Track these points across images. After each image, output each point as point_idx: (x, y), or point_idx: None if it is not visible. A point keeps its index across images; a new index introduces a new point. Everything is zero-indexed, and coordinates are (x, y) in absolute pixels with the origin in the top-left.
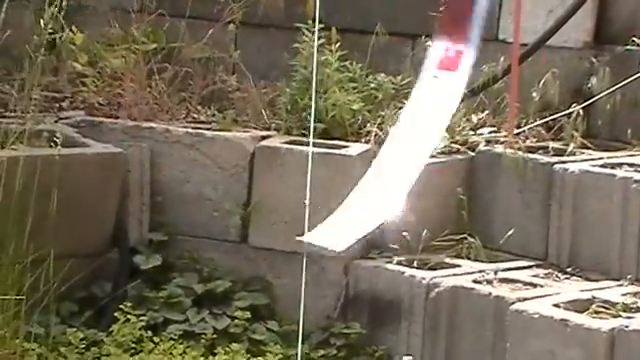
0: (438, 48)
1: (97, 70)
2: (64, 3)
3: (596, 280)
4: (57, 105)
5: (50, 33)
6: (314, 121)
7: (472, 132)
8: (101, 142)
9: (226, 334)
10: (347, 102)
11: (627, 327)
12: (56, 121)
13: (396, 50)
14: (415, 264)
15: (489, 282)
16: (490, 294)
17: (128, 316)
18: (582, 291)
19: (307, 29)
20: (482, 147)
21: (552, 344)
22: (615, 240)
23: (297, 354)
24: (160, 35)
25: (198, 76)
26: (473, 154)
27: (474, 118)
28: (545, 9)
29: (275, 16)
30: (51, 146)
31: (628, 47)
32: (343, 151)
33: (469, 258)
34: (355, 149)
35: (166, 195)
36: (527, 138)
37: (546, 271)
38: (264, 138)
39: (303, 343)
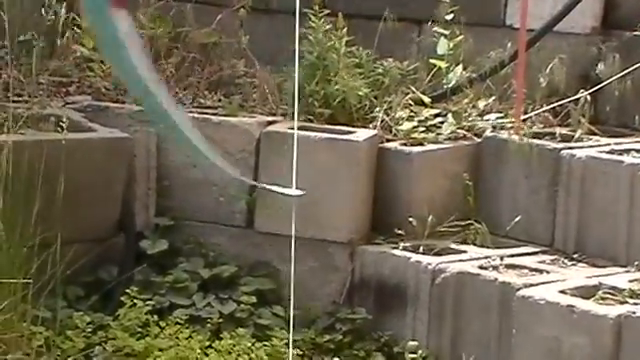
0: None
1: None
2: None
3: (603, 266)
4: (64, 90)
5: (54, 17)
6: (320, 107)
7: (479, 118)
8: (108, 127)
9: (232, 319)
10: (353, 88)
11: (634, 313)
12: (63, 106)
13: (402, 36)
14: (421, 250)
15: (495, 268)
16: (496, 280)
17: (134, 300)
18: (588, 277)
19: (314, 14)
20: (489, 133)
21: (558, 330)
22: (622, 226)
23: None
24: (167, 20)
25: (205, 61)
26: (479, 140)
27: (480, 104)
28: None
29: (283, 1)
30: (58, 131)
31: (636, 33)
32: (350, 136)
33: (475, 244)
34: (361, 134)
35: (172, 180)
36: (534, 124)
37: (552, 257)
38: (270, 123)
39: (309, 328)
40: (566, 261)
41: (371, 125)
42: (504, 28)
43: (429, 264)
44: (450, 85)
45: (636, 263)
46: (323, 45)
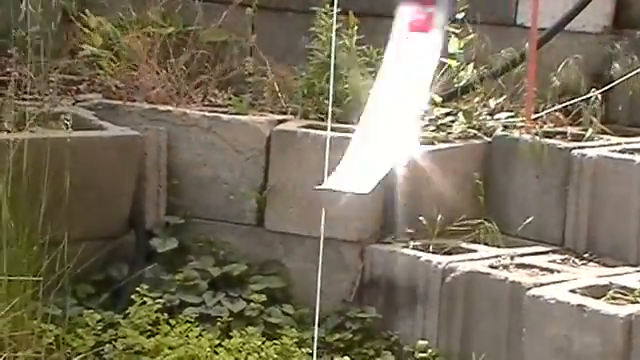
0: (406, 12)
1: (114, 53)
2: None
3: (613, 266)
4: (74, 88)
5: (64, 15)
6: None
7: (489, 117)
8: (118, 125)
9: (242, 317)
10: (364, 86)
11: None
12: (73, 104)
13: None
14: (431, 249)
15: (505, 267)
16: (506, 279)
17: (144, 298)
18: (599, 277)
19: (324, 13)
20: (499, 132)
21: (569, 330)
22: (633, 226)
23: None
24: (176, 18)
25: (215, 59)
26: (490, 139)
27: (491, 103)
28: None
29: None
30: (68, 129)
31: None
32: None
33: (485, 243)
34: None
35: (183, 178)
36: (545, 123)
37: (563, 257)
38: (280, 122)
39: (319, 326)
40: (577, 260)
41: None
42: (515, 27)
43: (439, 263)
44: (461, 84)
45: None
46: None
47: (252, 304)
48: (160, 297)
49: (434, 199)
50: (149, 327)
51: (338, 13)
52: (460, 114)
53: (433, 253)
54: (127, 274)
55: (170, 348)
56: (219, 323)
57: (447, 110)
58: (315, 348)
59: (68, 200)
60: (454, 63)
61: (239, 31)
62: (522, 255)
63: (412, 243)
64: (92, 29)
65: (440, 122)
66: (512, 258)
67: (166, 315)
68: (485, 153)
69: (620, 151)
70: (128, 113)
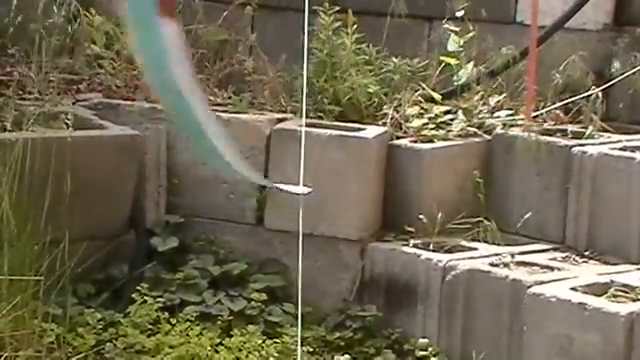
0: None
1: (114, 52)
2: None
3: (614, 264)
4: (74, 87)
5: (66, 15)
6: (330, 104)
7: (489, 115)
8: (118, 124)
9: (242, 316)
10: (363, 85)
11: None
12: (73, 103)
13: (412, 33)
14: (431, 247)
15: (506, 265)
16: (507, 277)
17: (145, 297)
18: (600, 275)
19: (324, 11)
20: (499, 130)
21: (569, 328)
22: (634, 223)
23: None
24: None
25: (215, 58)
26: (490, 137)
27: (491, 101)
28: None
29: None
30: (69, 128)
31: None
32: (359, 133)
33: (486, 241)
34: (371, 132)
35: (183, 177)
36: (545, 121)
37: (564, 254)
38: (280, 121)
39: (319, 325)
40: (577, 258)
41: (381, 122)
42: (515, 25)
43: (439, 261)
44: (460, 82)
45: None
46: (332, 42)
47: (252, 303)
48: (160, 296)
49: (434, 197)
50: (150, 326)
51: (337, 11)
52: (460, 112)
53: (433, 251)
54: (127, 273)
55: (171, 347)
56: (219, 322)
57: (447, 108)
58: (300, 350)
59: (68, 199)
60: (453, 61)
61: (239, 30)
62: (523, 253)
63: (412, 241)
64: (94, 28)
65: (440, 120)
66: (513, 256)
67: (167, 314)
68: (485, 151)
69: (621, 149)
70: (128, 112)
